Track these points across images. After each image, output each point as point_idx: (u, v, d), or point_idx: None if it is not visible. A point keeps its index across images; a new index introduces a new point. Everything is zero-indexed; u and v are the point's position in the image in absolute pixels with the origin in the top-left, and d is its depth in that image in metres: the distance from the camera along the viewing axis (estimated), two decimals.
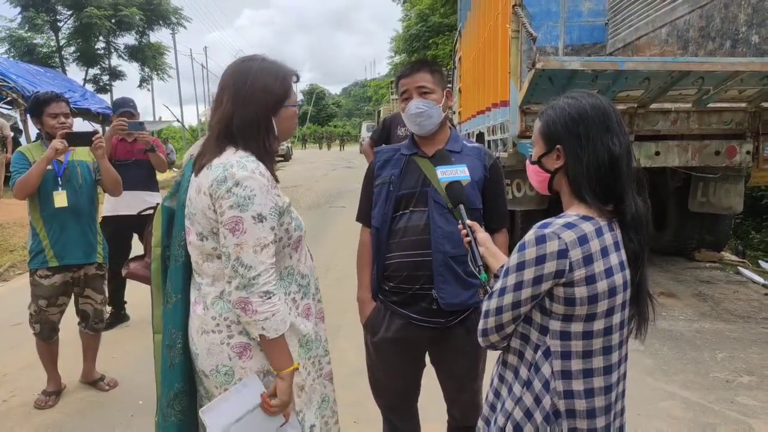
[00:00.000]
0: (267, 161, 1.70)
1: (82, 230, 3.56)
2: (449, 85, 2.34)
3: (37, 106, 3.54)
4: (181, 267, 1.80)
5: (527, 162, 1.59)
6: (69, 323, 3.77)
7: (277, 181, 1.74)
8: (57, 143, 3.27)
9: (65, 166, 3.51)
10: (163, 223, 1.87)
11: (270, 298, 1.61)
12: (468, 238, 1.71)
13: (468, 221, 1.75)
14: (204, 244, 1.69)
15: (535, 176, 1.56)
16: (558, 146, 1.47)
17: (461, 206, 1.80)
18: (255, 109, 1.68)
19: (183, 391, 1.80)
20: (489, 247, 1.71)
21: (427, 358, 2.32)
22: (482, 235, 1.74)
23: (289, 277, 1.79)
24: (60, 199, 3.44)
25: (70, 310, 3.71)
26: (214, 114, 1.73)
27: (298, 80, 1.81)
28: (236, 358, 1.69)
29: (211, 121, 1.74)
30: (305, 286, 1.86)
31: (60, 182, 3.46)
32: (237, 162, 1.62)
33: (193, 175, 1.73)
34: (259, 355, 1.70)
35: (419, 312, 2.14)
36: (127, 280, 5.21)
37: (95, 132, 3.52)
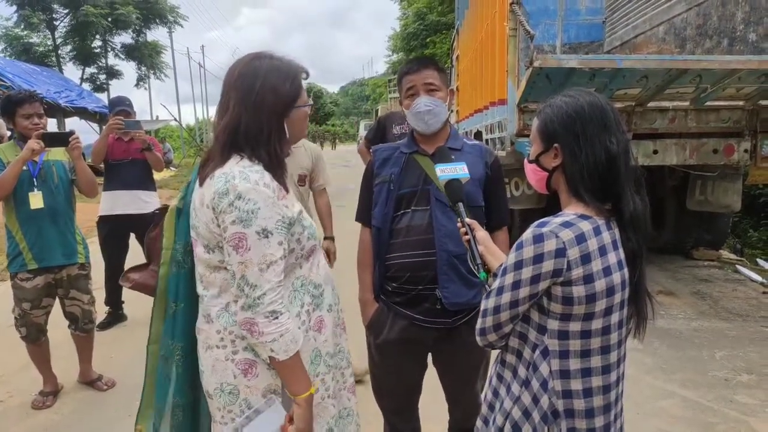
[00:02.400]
0: (277, 169, 1.60)
1: (60, 231, 3.47)
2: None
3: (10, 106, 3.43)
4: (186, 273, 1.71)
5: (525, 161, 1.58)
6: (64, 322, 3.75)
7: (286, 190, 1.63)
8: (33, 143, 3.21)
9: (40, 166, 3.41)
10: (176, 225, 1.76)
11: (277, 317, 1.50)
12: (467, 237, 1.70)
13: (467, 219, 1.73)
14: (211, 256, 1.59)
15: (533, 175, 1.55)
16: (555, 145, 1.46)
17: (460, 204, 1.79)
18: (265, 115, 1.56)
19: (180, 405, 1.73)
20: (488, 246, 1.69)
21: (428, 360, 2.30)
22: (481, 233, 1.73)
23: (302, 288, 1.68)
24: (36, 200, 3.35)
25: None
26: (219, 120, 1.61)
27: (307, 76, 1.69)
28: (241, 375, 1.59)
29: (215, 127, 1.62)
30: (318, 296, 1.73)
31: (36, 183, 3.36)
32: (239, 173, 1.50)
33: (197, 185, 1.63)
34: (265, 373, 1.60)
35: (423, 312, 2.12)
36: None
37: (71, 132, 3.44)
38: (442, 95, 2.13)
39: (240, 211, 1.47)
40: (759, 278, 6.15)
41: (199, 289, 1.67)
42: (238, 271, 1.50)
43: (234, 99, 1.57)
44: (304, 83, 1.69)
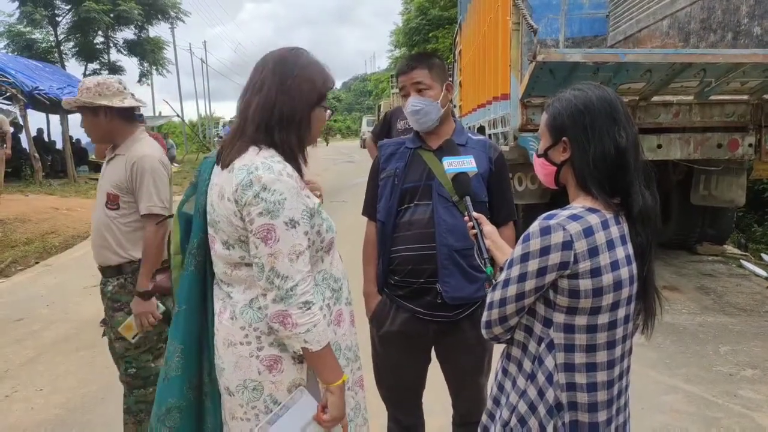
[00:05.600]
0: (300, 159, 1.61)
1: None
2: (449, 78, 2.32)
3: None
4: (189, 276, 1.71)
5: (534, 155, 1.58)
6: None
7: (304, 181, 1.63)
8: None
9: None
10: (182, 230, 1.77)
11: (310, 308, 1.51)
12: (474, 231, 1.70)
13: (474, 213, 1.74)
14: (231, 253, 1.58)
15: (542, 169, 1.54)
16: (564, 138, 1.45)
17: (467, 198, 1.79)
18: (297, 101, 1.58)
19: (176, 407, 1.70)
20: (495, 240, 1.69)
21: (433, 353, 2.31)
22: (489, 227, 1.73)
23: (323, 282, 1.68)
24: None
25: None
26: (249, 100, 1.60)
27: (332, 87, 1.73)
28: (266, 371, 1.58)
29: (244, 108, 1.61)
30: (338, 290, 1.74)
31: None
32: (262, 164, 1.50)
33: (215, 170, 1.62)
34: (291, 368, 1.59)
35: (424, 306, 2.13)
36: None
37: None
38: (433, 93, 2.12)
39: (267, 203, 1.47)
40: (763, 273, 6.13)
41: (224, 288, 1.66)
42: (267, 263, 1.49)
43: (270, 81, 1.59)
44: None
